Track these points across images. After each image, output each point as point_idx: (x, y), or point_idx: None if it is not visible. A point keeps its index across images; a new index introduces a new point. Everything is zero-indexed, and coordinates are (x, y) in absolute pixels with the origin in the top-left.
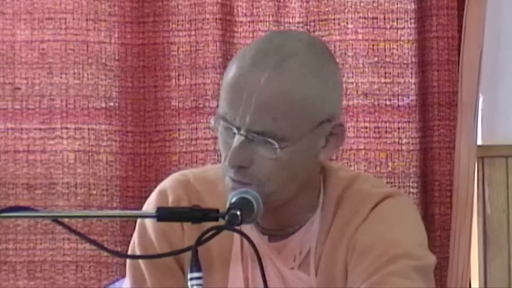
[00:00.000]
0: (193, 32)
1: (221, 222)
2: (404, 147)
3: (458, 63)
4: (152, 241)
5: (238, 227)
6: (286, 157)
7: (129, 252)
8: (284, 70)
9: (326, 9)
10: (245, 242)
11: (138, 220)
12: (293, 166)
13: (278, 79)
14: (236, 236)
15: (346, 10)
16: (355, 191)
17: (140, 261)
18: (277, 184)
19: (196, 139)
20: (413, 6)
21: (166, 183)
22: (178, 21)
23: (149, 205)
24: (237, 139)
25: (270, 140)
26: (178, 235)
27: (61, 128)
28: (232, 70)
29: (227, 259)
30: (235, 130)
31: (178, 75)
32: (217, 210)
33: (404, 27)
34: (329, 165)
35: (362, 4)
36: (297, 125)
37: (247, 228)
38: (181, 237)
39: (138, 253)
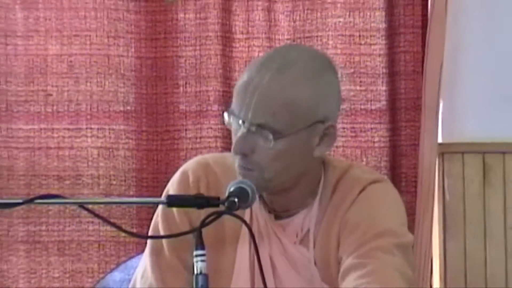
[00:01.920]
0: (197, 47)
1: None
2: (376, 145)
3: (422, 74)
4: (174, 215)
5: (236, 211)
6: (281, 148)
7: (152, 223)
8: (285, 73)
9: (310, 28)
10: (253, 222)
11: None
12: (288, 157)
13: (278, 80)
14: (245, 217)
15: (327, 29)
16: (348, 177)
17: (160, 235)
18: (274, 171)
19: (200, 138)
20: (383, 25)
21: (188, 165)
22: (185, 38)
23: (173, 183)
24: (240, 131)
25: (266, 131)
26: (196, 212)
27: (86, 128)
28: (244, 73)
29: (236, 238)
30: (241, 123)
31: (185, 84)
32: (218, 198)
33: (376, 43)
34: (328, 158)
35: (340, 24)
36: (292, 121)
37: (257, 208)
38: (198, 214)
39: (160, 224)
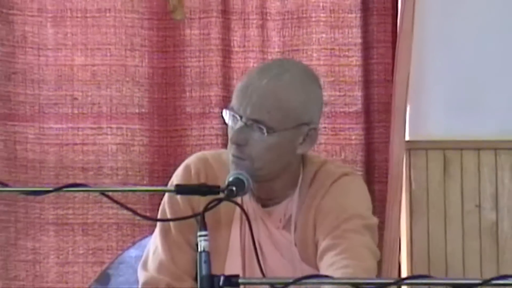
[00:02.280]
0: (201, 59)
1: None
2: (353, 142)
3: (392, 82)
4: (178, 202)
5: (234, 199)
6: (272, 142)
7: (160, 208)
8: (280, 80)
9: (297, 42)
10: (244, 207)
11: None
12: (276, 151)
13: (274, 84)
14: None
15: (311, 43)
16: (323, 171)
17: (168, 218)
18: (263, 162)
19: (203, 136)
20: (359, 40)
21: (190, 160)
22: (190, 50)
23: (177, 176)
24: (238, 124)
25: (261, 126)
26: (196, 199)
27: (106, 127)
28: (244, 77)
29: (230, 221)
30: (238, 118)
31: (191, 89)
32: (219, 187)
33: (353, 56)
34: (306, 155)
35: (322, 39)
36: (283, 120)
37: (246, 198)
38: (198, 201)
39: (167, 209)
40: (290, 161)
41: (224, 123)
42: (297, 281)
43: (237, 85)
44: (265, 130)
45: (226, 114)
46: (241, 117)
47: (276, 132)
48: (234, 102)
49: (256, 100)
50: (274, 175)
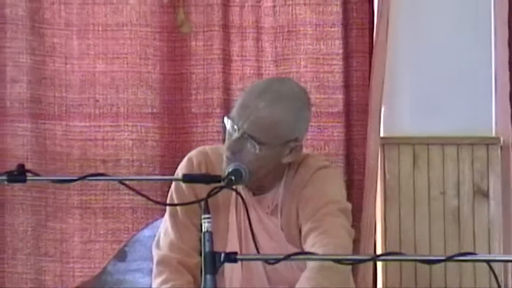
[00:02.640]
0: (205, 66)
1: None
2: (335, 138)
3: (369, 86)
4: (184, 189)
5: (233, 187)
6: (261, 155)
7: (168, 196)
8: (275, 105)
9: (288, 52)
10: (238, 198)
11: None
12: (264, 161)
13: (270, 108)
14: (233, 194)
15: (299, 53)
16: (304, 164)
17: (175, 203)
18: (252, 167)
19: (206, 133)
20: (341, 51)
21: (192, 153)
22: (196, 59)
23: (182, 167)
24: (235, 135)
25: (254, 142)
26: (198, 187)
27: (123, 125)
28: (246, 94)
29: (228, 207)
30: (236, 128)
31: (196, 93)
32: (220, 176)
33: (335, 64)
34: None
35: (309, 50)
36: (274, 138)
37: (239, 187)
38: (200, 188)
39: (174, 195)
40: (276, 167)
41: (224, 125)
42: (287, 257)
43: (239, 98)
44: (256, 145)
45: (228, 122)
46: (238, 129)
47: (265, 146)
48: (234, 114)
49: (253, 119)
50: (262, 177)
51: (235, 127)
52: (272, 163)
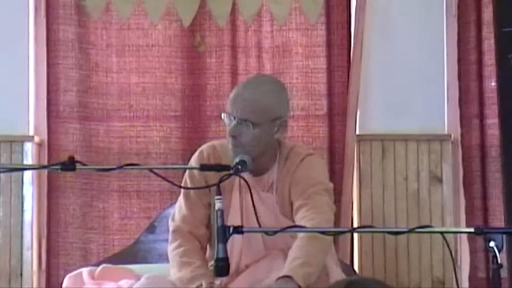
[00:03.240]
0: (217, 79)
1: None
2: (321, 135)
3: (347, 93)
4: (196, 176)
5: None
6: (256, 133)
7: (183, 180)
8: (258, 89)
9: (283, 67)
10: (241, 180)
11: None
12: (260, 138)
13: (254, 93)
14: (237, 178)
15: (292, 68)
16: (294, 151)
17: (189, 186)
18: (251, 146)
19: (218, 131)
20: (325, 66)
21: (203, 147)
22: (209, 73)
23: (194, 158)
24: (233, 123)
25: (248, 123)
26: (208, 174)
27: (153, 125)
28: (234, 91)
29: (231, 188)
30: (232, 118)
31: (210, 100)
32: (229, 166)
33: (321, 76)
34: (281, 140)
35: (300, 65)
36: (263, 117)
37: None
38: (209, 175)
39: (188, 180)
40: (269, 144)
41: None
42: (283, 229)
43: (230, 95)
44: (251, 125)
45: (224, 116)
46: (234, 117)
47: (258, 125)
48: (228, 107)
49: (244, 105)
50: (259, 154)
51: (231, 117)
52: (266, 139)
